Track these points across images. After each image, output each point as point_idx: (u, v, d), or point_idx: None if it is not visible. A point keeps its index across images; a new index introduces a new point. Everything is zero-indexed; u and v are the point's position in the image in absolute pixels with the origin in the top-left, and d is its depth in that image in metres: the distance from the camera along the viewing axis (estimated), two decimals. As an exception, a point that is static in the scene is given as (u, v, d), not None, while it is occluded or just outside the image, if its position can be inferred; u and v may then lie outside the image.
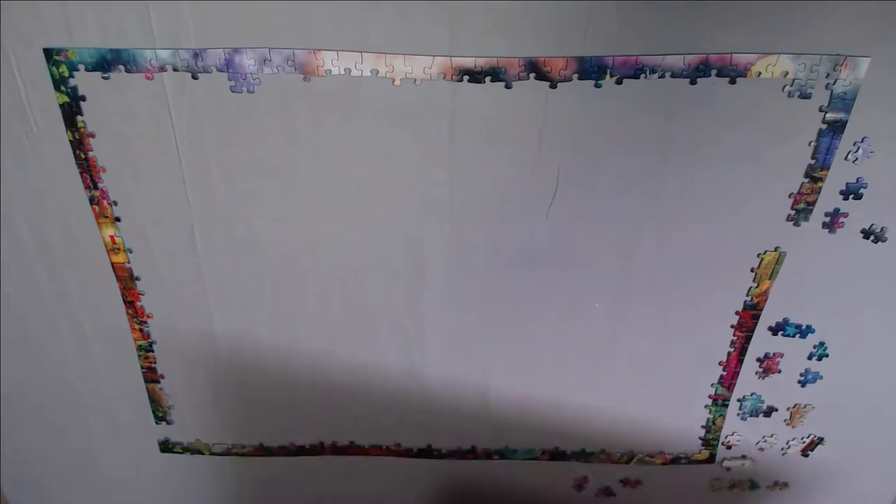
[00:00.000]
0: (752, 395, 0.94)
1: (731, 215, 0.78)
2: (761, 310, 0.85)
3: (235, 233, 0.80)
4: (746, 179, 0.75)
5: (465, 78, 0.69)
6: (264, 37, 0.67)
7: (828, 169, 0.74)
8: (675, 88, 0.69)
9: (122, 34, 0.67)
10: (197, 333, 0.89)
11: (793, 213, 0.78)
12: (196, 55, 0.68)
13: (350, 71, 0.69)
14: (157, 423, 0.98)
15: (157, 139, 0.73)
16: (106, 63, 0.68)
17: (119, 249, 0.82)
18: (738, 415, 0.96)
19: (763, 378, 0.92)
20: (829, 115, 0.71)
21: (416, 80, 0.70)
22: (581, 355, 0.90)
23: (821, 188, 0.76)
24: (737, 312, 0.86)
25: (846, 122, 0.71)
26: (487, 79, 0.69)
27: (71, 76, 0.69)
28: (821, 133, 0.72)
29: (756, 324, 0.87)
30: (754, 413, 0.96)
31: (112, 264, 0.83)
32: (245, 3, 0.65)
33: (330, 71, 0.69)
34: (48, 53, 0.68)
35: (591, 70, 0.68)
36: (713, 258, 0.81)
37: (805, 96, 0.70)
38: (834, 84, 0.69)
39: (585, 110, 0.71)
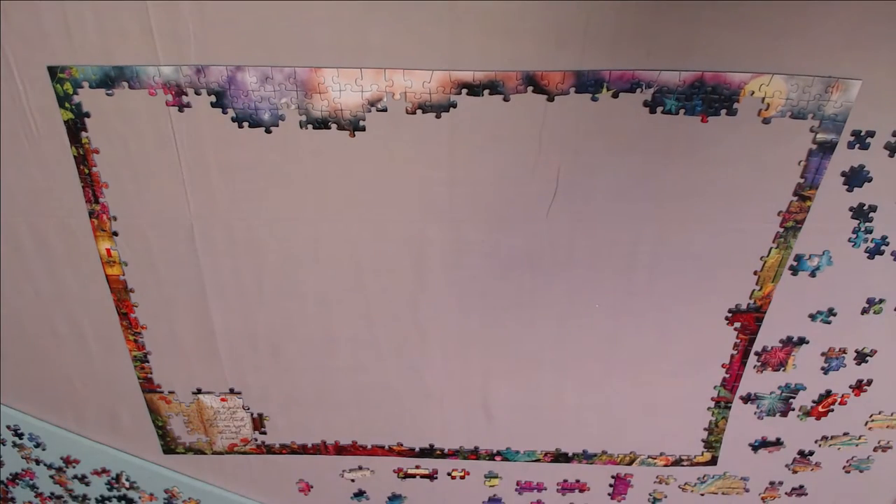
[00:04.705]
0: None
1: (731, 218, 0.81)
2: (764, 312, 0.88)
3: (235, 235, 0.83)
4: (746, 184, 0.78)
5: (464, 91, 0.72)
6: (266, 53, 0.70)
7: (816, 188, 0.77)
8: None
9: (125, 51, 0.70)
10: (196, 333, 0.92)
11: (781, 230, 0.81)
12: (199, 71, 0.71)
13: (350, 87, 0.72)
14: (157, 433, 1.01)
15: (159, 153, 0.77)
16: (109, 80, 0.71)
17: (114, 262, 0.85)
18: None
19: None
20: (820, 136, 0.74)
21: (415, 95, 0.72)
22: (581, 355, 0.93)
23: (809, 207, 0.79)
24: (739, 315, 0.89)
25: (836, 143, 0.74)
26: (486, 92, 0.72)
27: (75, 93, 0.72)
28: (810, 153, 0.75)
29: (759, 326, 0.89)
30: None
31: (107, 277, 0.86)
32: (247, 20, 0.68)
33: (330, 88, 0.72)
34: (52, 71, 0.71)
35: (588, 84, 0.71)
36: (714, 260, 0.84)
37: (797, 116, 0.72)
38: (825, 105, 0.72)
39: (584, 116, 0.73)
